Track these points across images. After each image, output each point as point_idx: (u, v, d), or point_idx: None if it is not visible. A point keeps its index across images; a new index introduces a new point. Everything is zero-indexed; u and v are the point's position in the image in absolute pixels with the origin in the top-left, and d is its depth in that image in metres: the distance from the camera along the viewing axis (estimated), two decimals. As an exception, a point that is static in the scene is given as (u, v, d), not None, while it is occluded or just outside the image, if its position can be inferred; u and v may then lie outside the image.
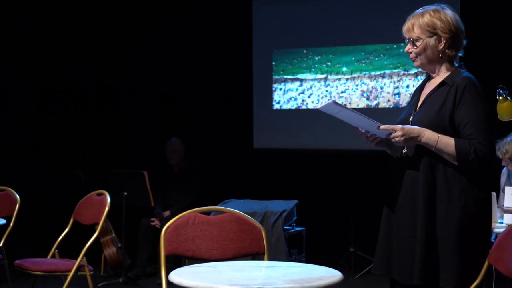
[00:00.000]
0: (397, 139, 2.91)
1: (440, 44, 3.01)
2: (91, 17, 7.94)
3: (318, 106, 2.94)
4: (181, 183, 6.87)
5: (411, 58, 3.10)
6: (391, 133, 2.93)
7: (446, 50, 3.02)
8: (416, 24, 3.03)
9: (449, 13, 3.04)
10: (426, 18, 3.02)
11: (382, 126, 2.94)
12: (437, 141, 2.89)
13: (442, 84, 3.02)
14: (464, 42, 3.07)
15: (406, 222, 2.97)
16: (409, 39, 3.06)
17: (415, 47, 3.04)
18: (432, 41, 3.01)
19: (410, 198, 2.96)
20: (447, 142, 2.89)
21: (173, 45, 8.02)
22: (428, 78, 3.17)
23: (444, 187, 2.90)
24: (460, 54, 3.09)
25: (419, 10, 3.07)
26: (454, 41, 3.03)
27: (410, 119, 3.06)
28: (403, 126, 2.93)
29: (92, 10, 7.94)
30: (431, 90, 3.06)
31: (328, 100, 3.21)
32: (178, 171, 6.99)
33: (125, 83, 8.09)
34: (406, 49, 3.10)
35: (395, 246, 3.02)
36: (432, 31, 3.00)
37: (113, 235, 6.58)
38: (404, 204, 2.99)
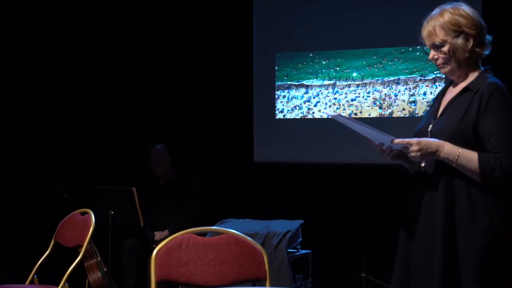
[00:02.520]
0: (413, 154, 2.90)
1: (468, 42, 2.99)
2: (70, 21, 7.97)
3: (330, 113, 2.95)
4: (170, 198, 6.85)
5: (438, 65, 3.07)
6: (407, 147, 2.92)
7: (476, 49, 3.01)
8: (437, 26, 3.01)
9: (467, 8, 3.04)
10: (447, 16, 3.01)
11: (396, 140, 2.93)
12: (458, 156, 2.86)
13: (465, 90, 3.01)
14: (489, 37, 3.05)
15: (425, 244, 2.96)
16: (432, 44, 3.03)
17: (441, 52, 3.01)
18: (460, 40, 2.99)
19: (429, 218, 2.95)
20: (469, 157, 2.86)
21: (165, 47, 8.03)
22: (451, 82, 3.15)
23: (466, 207, 2.88)
24: (486, 52, 3.06)
25: (436, 11, 3.05)
26: (481, 37, 3.01)
27: (429, 129, 3.05)
28: (420, 139, 2.91)
29: (80, 14, 7.96)
30: (453, 97, 3.05)
31: (334, 112, 3.22)
32: (165, 184, 6.97)
33: (110, 87, 8.09)
34: (430, 56, 3.06)
35: (414, 270, 3.01)
36: (457, 29, 2.99)
37: (98, 258, 6.58)
38: (423, 225, 2.98)
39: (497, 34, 3.16)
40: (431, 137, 3.00)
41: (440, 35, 3.00)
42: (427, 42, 3.06)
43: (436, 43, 3.02)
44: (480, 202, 2.88)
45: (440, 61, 3.05)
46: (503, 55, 3.39)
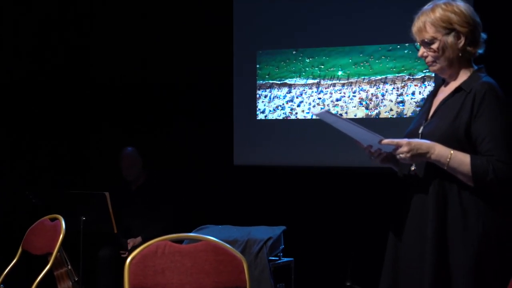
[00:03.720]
0: (402, 155, 2.90)
1: (459, 41, 3.00)
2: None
3: (315, 112, 2.94)
4: (142, 203, 6.83)
5: (428, 63, 3.07)
6: (396, 148, 2.92)
7: (467, 47, 3.01)
8: (428, 22, 3.01)
9: (462, 5, 3.03)
10: (438, 13, 3.01)
11: (385, 141, 2.93)
12: (450, 158, 2.86)
13: (458, 90, 3.01)
14: (483, 35, 3.06)
15: (415, 250, 2.96)
16: (422, 41, 3.04)
17: (431, 50, 3.02)
18: (450, 38, 2.99)
19: (419, 224, 2.95)
20: (461, 160, 2.86)
21: (140, 46, 8.02)
22: (442, 82, 3.16)
23: (458, 212, 2.88)
24: (480, 51, 3.07)
25: (428, 6, 3.05)
26: (474, 36, 3.02)
27: (420, 131, 3.05)
28: (410, 140, 2.91)
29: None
30: (445, 97, 3.05)
31: (322, 108, 3.22)
32: (137, 188, 6.96)
33: (81, 88, 8.08)
34: (420, 53, 3.07)
35: (403, 278, 3.02)
36: (448, 26, 2.99)
37: (69, 267, 6.54)
38: (413, 230, 2.98)
39: (490, 32, 3.17)
40: (422, 138, 3.00)
41: (430, 32, 3.01)
42: (417, 39, 3.07)
43: (426, 40, 3.02)
44: (472, 207, 2.88)
45: (429, 58, 3.05)
46: (497, 54, 3.39)
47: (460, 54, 3.02)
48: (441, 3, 3.04)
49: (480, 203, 2.88)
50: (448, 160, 2.86)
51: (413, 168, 3.03)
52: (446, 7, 3.01)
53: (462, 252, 2.87)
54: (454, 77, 3.07)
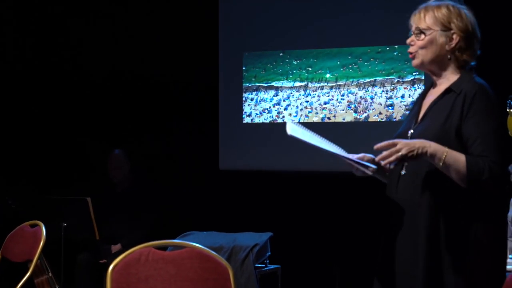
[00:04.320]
0: (397, 154, 2.87)
1: (451, 42, 3.04)
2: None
3: (288, 130, 2.98)
4: (125, 208, 6.82)
5: (411, 53, 3.12)
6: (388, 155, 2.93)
7: (456, 52, 3.05)
8: (429, 15, 3.07)
9: (467, 13, 3.09)
10: (443, 10, 3.06)
11: (378, 146, 2.93)
12: (446, 153, 2.85)
13: (447, 91, 3.03)
14: (478, 52, 3.11)
15: (406, 257, 2.97)
16: (416, 29, 3.09)
17: (420, 39, 3.07)
18: (442, 37, 3.04)
19: (410, 230, 2.96)
20: (456, 157, 2.85)
21: (124, 45, 8.00)
22: (431, 85, 3.18)
23: (450, 218, 2.89)
24: (472, 64, 3.10)
25: (434, 2, 3.11)
26: (467, 44, 3.06)
27: (409, 134, 3.07)
28: (403, 140, 2.93)
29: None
30: (435, 99, 3.07)
31: (292, 122, 3.25)
32: (122, 192, 6.95)
33: (64, 88, 8.05)
34: (408, 40, 3.12)
35: (394, 285, 3.03)
36: (446, 25, 3.04)
37: (50, 275, 6.50)
38: (404, 236, 2.98)
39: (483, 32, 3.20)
40: None
41: (428, 22, 3.06)
42: (413, 26, 3.12)
43: (420, 27, 3.07)
44: (464, 213, 2.89)
45: (414, 48, 3.09)
46: (490, 55, 3.42)
47: (448, 57, 3.05)
48: (449, 3, 3.09)
49: (471, 208, 2.89)
50: (444, 155, 2.85)
51: (403, 172, 3.04)
52: (452, 8, 3.07)
53: (455, 260, 2.88)
54: (441, 77, 3.10)
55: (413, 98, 6.92)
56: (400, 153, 2.87)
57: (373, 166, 3.01)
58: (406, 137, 3.04)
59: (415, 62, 3.11)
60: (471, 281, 2.87)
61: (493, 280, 2.92)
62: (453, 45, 3.04)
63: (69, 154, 8.01)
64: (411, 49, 3.11)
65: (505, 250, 2.99)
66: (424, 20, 3.07)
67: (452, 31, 3.03)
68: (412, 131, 3.07)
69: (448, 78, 3.08)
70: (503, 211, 3.00)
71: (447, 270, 2.89)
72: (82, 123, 8.07)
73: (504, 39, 6.64)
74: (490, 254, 2.91)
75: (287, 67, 7.54)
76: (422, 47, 3.06)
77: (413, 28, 3.10)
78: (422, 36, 3.06)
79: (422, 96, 3.20)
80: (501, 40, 6.69)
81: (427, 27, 3.05)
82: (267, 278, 6.31)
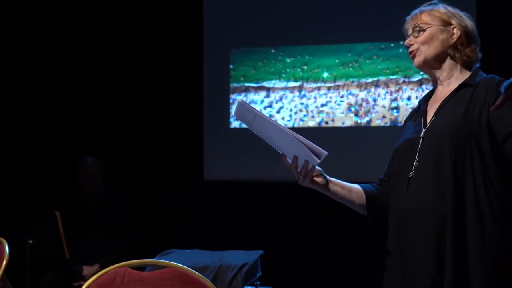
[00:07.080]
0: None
1: (452, 37, 3.19)
2: None
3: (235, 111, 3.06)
4: (100, 223, 6.81)
5: (412, 53, 3.25)
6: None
7: (459, 46, 3.19)
8: (426, 12, 3.22)
9: (467, 19, 3.24)
10: (442, 10, 3.23)
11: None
12: None
13: (460, 87, 3.16)
14: (480, 54, 3.24)
15: (427, 259, 3.03)
16: (415, 26, 3.22)
17: (420, 36, 3.21)
18: (443, 33, 3.19)
19: (428, 230, 3.04)
20: None
21: (99, 42, 8.01)
22: (432, 92, 3.33)
23: (473, 217, 2.99)
24: (477, 65, 3.24)
25: (434, 2, 3.28)
26: (469, 40, 3.21)
27: (422, 135, 3.16)
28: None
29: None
30: (446, 97, 3.19)
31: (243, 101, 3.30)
32: (96, 204, 6.94)
33: (33, 92, 8.07)
34: (406, 41, 3.25)
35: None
36: (446, 20, 3.20)
37: (13, 297, 6.53)
38: (421, 238, 3.05)
39: (489, 39, 3.26)
40: (424, 143, 3.13)
41: (425, 19, 3.21)
42: (410, 27, 3.25)
43: (419, 24, 3.20)
44: (488, 211, 2.99)
45: (414, 46, 3.22)
46: (487, 55, 3.50)
47: (451, 54, 3.20)
48: (448, 6, 3.26)
49: (496, 207, 3.00)
50: None
51: (411, 174, 3.13)
52: (452, 9, 3.24)
53: (479, 262, 2.97)
54: (448, 78, 3.22)
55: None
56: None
57: (318, 160, 3.06)
58: (418, 141, 3.15)
59: (417, 60, 3.23)
60: (495, 282, 2.97)
61: None
62: (454, 39, 3.19)
63: (34, 163, 8.01)
64: (411, 49, 3.23)
65: None
66: (421, 18, 3.22)
67: (453, 26, 3.19)
68: (423, 132, 3.17)
69: (457, 77, 3.21)
70: None
71: (473, 263, 2.98)
72: (49, 128, 8.07)
73: (504, 39, 6.69)
74: None
75: (280, 65, 7.56)
76: (424, 43, 3.20)
77: (410, 29, 3.23)
78: (421, 32, 3.20)
79: (424, 102, 3.33)
80: (501, 40, 6.74)
81: (425, 23, 3.20)
82: (257, 301, 6.33)
